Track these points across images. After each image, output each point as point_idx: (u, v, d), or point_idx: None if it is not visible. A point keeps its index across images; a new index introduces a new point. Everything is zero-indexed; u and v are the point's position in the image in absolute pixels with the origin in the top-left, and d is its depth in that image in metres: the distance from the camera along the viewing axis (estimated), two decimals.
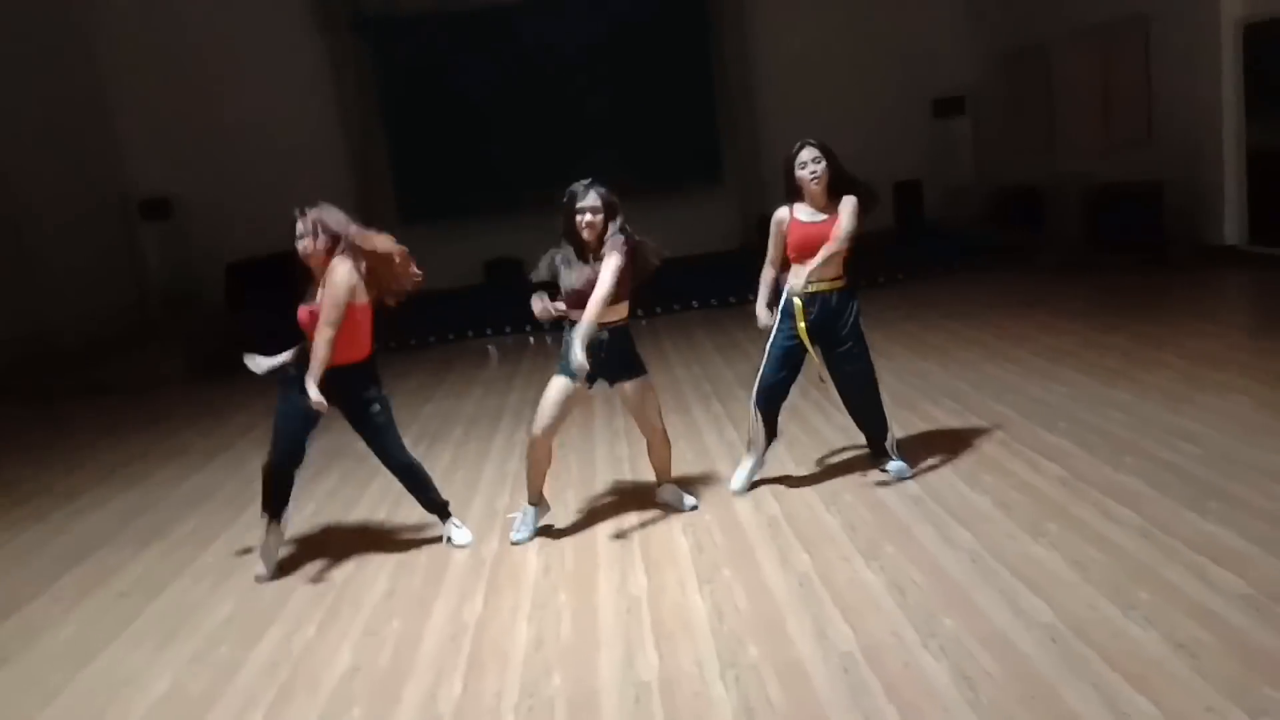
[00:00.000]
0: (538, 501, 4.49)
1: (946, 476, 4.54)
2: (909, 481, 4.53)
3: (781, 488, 4.70)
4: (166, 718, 3.28)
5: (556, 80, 13.70)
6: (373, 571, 4.28)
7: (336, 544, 4.66)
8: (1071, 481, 4.29)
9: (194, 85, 13.42)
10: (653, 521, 4.47)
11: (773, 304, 4.52)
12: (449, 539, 4.45)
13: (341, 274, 4.01)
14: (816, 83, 13.71)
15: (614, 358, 4.25)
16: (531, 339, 10.06)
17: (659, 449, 4.54)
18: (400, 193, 13.85)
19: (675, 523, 4.43)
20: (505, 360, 9.30)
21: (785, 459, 5.10)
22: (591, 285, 4.05)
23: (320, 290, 4.05)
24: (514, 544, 4.36)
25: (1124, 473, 4.31)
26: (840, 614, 3.40)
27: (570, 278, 4.18)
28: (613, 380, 4.32)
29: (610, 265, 4.05)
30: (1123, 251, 9.51)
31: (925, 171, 13.77)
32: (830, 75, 13.76)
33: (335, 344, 3.99)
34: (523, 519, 4.46)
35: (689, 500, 4.59)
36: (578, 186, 4.17)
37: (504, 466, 5.67)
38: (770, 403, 4.64)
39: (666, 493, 4.64)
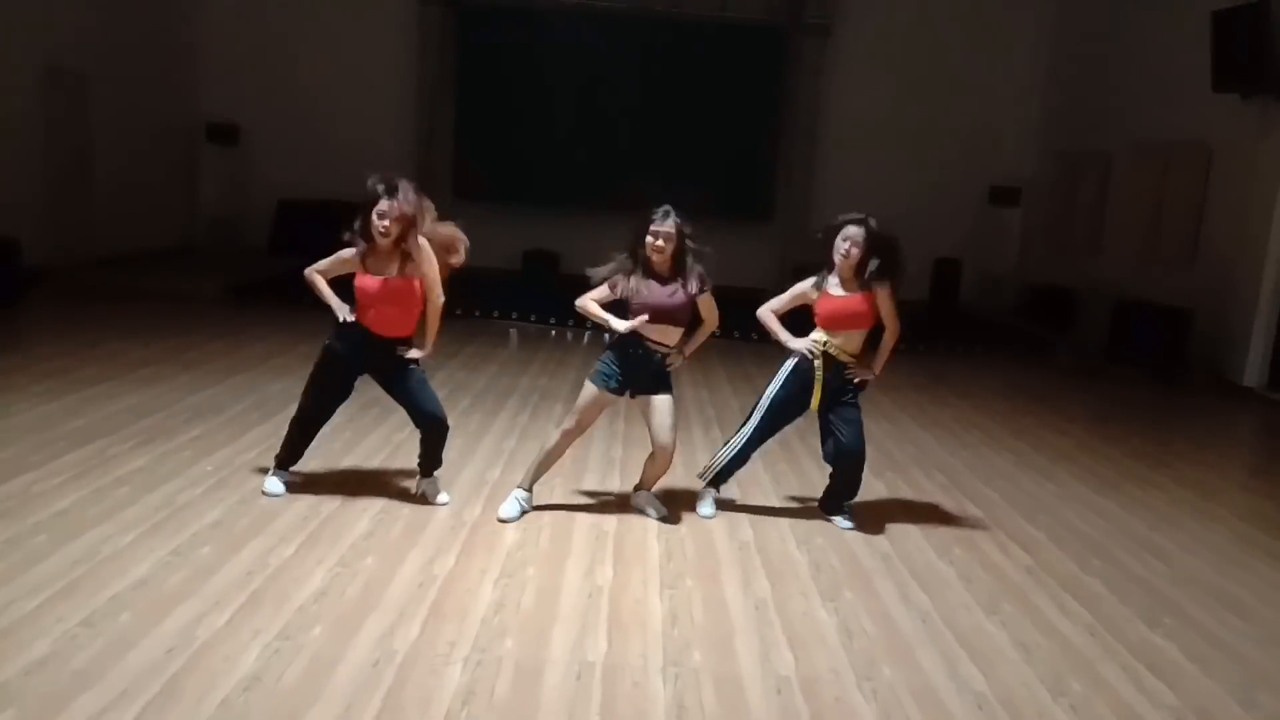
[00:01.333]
0: (529, 488, 4.67)
1: (919, 542, 4.67)
2: (880, 539, 4.66)
3: (759, 518, 4.84)
4: (139, 601, 3.45)
5: (629, 91, 13.98)
6: (358, 511, 4.45)
7: (330, 480, 4.83)
8: (1037, 571, 4.42)
9: (281, 22, 13.78)
10: (630, 524, 4.62)
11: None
12: (424, 493, 4.66)
13: (431, 255, 4.39)
14: (880, 146, 13.93)
15: (654, 374, 4.53)
16: (554, 331, 10.23)
17: (660, 462, 4.68)
18: (458, 168, 14.13)
19: (651, 529, 4.57)
20: (524, 346, 9.48)
21: (770, 491, 5.25)
22: (673, 306, 4.43)
23: (392, 265, 4.36)
24: (500, 520, 4.51)
25: (1089, 574, 4.43)
26: (787, 642, 3.54)
27: (649, 295, 4.41)
28: (649, 392, 4.55)
29: (711, 301, 4.49)
30: (1139, 367, 9.60)
31: (968, 254, 13.93)
32: (895, 141, 13.98)
33: (400, 319, 4.41)
34: (518, 500, 4.61)
35: (661, 509, 4.74)
36: (658, 211, 4.42)
37: (502, 443, 5.85)
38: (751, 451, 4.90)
39: (642, 498, 4.81)
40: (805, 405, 4.71)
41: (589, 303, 4.50)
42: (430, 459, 4.67)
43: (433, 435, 4.61)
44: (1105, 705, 3.25)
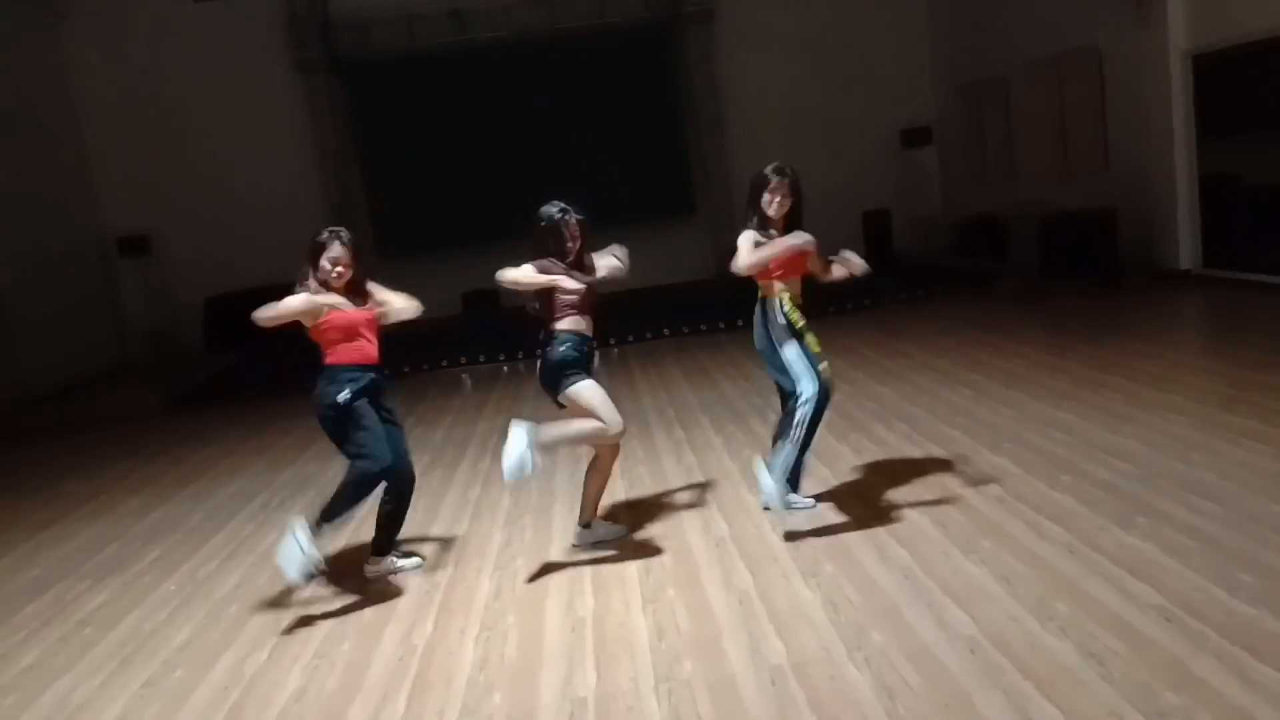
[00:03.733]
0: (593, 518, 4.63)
1: (891, 497, 4.66)
2: (853, 502, 4.65)
3: (732, 510, 4.81)
4: None
5: (529, 117, 13.94)
6: (326, 597, 4.36)
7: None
8: (1008, 500, 4.43)
9: (171, 124, 13.63)
10: (603, 548, 4.57)
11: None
12: (389, 569, 4.51)
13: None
14: (786, 115, 13.99)
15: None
16: (505, 368, 10.17)
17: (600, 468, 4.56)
18: (377, 227, 14.02)
19: (626, 547, 4.52)
20: (478, 388, 9.40)
21: (738, 480, 5.22)
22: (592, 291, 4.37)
23: (367, 299, 4.47)
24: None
25: (1059, 490, 4.45)
26: (775, 630, 3.51)
27: (577, 282, 4.29)
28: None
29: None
30: (1078, 278, 9.71)
31: (894, 202, 14.03)
32: (800, 108, 14.05)
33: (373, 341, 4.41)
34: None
35: (617, 530, 4.65)
36: (554, 209, 4.37)
37: (466, 494, 5.78)
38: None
39: (596, 532, 4.61)
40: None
41: (522, 272, 4.26)
42: (390, 523, 4.50)
43: (407, 490, 4.50)
44: (1093, 620, 3.25)
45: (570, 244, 4.35)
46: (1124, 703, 2.78)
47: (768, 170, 4.47)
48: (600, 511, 4.72)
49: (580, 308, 4.34)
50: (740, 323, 10.78)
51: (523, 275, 4.25)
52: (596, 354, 4.43)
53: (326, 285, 4.31)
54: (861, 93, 14.09)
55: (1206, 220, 9.25)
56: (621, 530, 4.68)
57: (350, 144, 14.13)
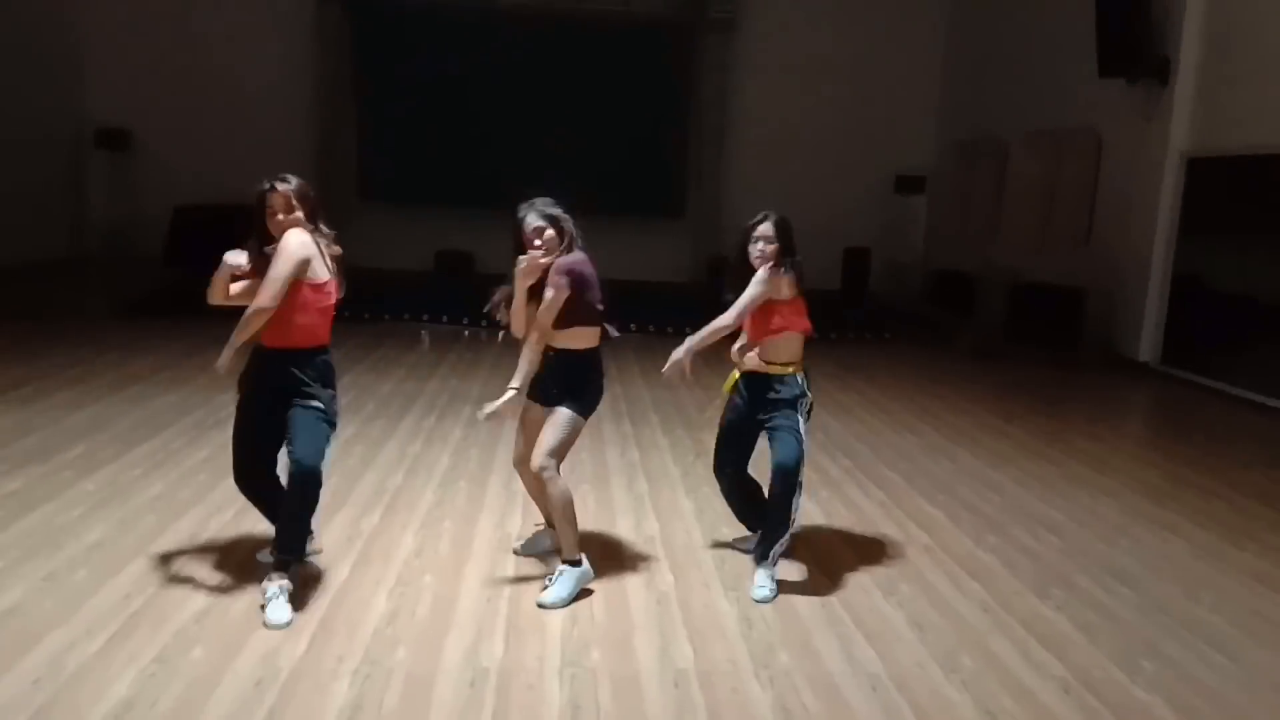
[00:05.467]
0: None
1: (822, 528, 4.71)
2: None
3: (666, 511, 4.83)
4: (6, 629, 3.28)
5: (534, 90, 13.87)
6: (250, 524, 4.29)
7: (222, 496, 4.66)
8: (934, 550, 4.49)
9: (172, 23, 13.35)
10: (535, 525, 4.55)
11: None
12: (263, 596, 3.48)
13: (293, 244, 3.51)
14: (787, 139, 14.10)
15: (557, 381, 3.91)
16: (466, 332, 10.10)
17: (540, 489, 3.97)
18: (362, 170, 13.87)
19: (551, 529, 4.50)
20: (436, 348, 9.33)
21: (677, 484, 5.24)
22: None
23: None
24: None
25: (983, 549, 4.53)
26: (687, 635, 3.53)
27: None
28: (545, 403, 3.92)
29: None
30: (1037, 348, 9.89)
31: (876, 242, 14.17)
32: (802, 134, 14.16)
33: (281, 322, 3.55)
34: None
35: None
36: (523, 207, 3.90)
37: (405, 449, 5.73)
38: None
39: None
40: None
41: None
42: (285, 529, 3.64)
43: (294, 487, 3.56)
44: (995, 679, 3.31)
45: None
46: None
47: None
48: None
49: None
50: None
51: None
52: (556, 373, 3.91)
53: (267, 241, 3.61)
54: (865, 130, 14.22)
55: (1172, 317, 9.45)
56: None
57: (350, 82, 13.95)
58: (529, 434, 3.97)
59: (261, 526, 4.02)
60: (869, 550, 4.46)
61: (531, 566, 4.08)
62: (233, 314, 3.67)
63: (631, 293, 13.33)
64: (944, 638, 3.60)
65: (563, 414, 3.82)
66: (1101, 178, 10.43)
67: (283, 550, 3.62)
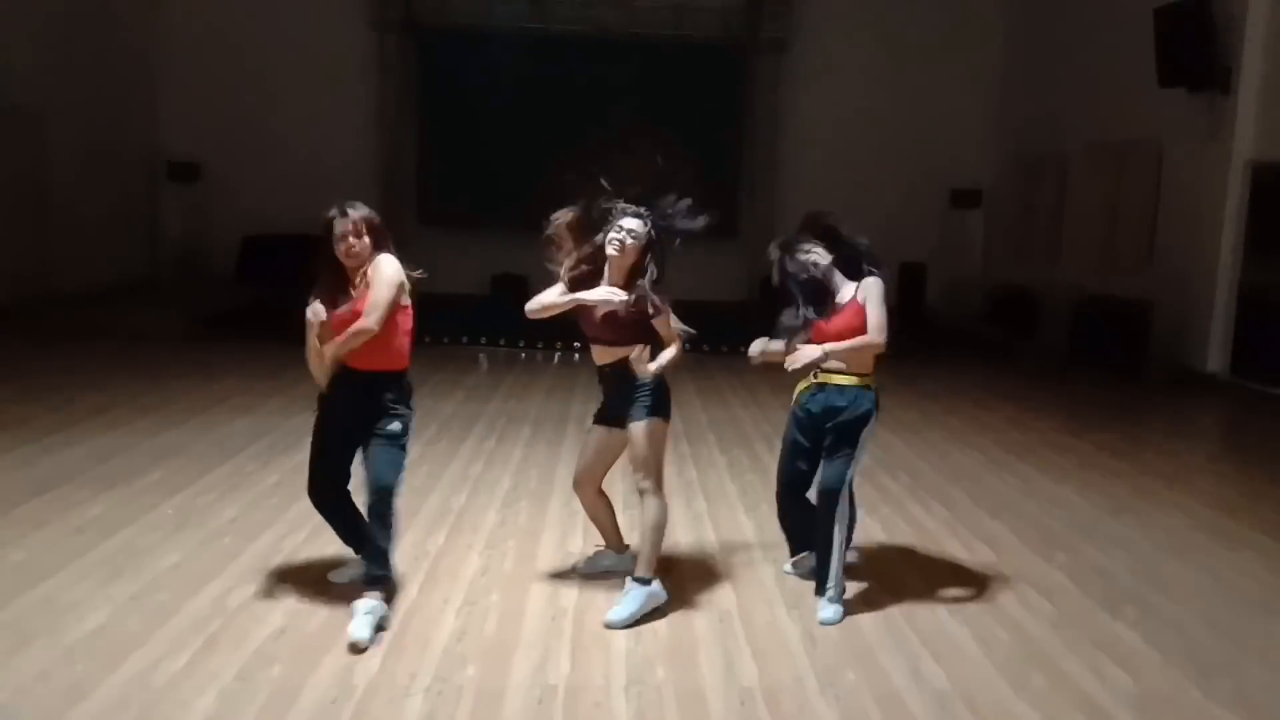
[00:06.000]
0: (621, 549, 4.20)
1: (885, 546, 4.69)
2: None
3: (727, 529, 4.84)
4: (95, 649, 3.41)
5: (590, 113, 14.01)
6: (320, 545, 4.40)
7: (296, 518, 4.79)
8: (999, 568, 4.44)
9: (240, 58, 13.80)
10: (593, 544, 4.60)
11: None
12: (353, 613, 3.56)
13: (390, 269, 3.66)
14: (841, 156, 14.05)
15: (625, 397, 3.88)
16: (523, 354, 10.23)
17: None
18: (422, 194, 14.14)
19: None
20: (494, 370, 9.47)
21: (735, 502, 5.25)
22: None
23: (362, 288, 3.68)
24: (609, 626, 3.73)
25: (1053, 566, 4.47)
26: (751, 653, 3.54)
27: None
28: (624, 423, 3.89)
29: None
30: (1103, 365, 9.70)
31: (933, 258, 14.04)
32: (855, 150, 14.10)
33: (375, 346, 3.65)
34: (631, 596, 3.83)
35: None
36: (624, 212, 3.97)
37: (468, 469, 5.82)
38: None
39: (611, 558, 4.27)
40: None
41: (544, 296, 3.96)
42: (372, 552, 3.72)
43: (375, 510, 3.69)
44: (1067, 697, 3.27)
45: (558, 250, 3.96)
46: None
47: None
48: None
49: (590, 334, 3.93)
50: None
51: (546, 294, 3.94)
52: (614, 391, 3.92)
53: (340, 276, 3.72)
54: (919, 145, 14.11)
55: (1240, 328, 9.23)
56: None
57: (411, 109, 14.27)
58: (591, 457, 4.03)
59: (334, 547, 4.13)
60: (933, 568, 4.42)
61: (594, 585, 4.12)
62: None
63: (686, 314, 13.38)
64: (1013, 655, 3.56)
65: (641, 426, 3.81)
66: (1164, 190, 10.23)
67: (368, 570, 3.70)
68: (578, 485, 4.14)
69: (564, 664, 3.42)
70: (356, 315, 3.63)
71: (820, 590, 3.90)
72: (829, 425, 3.92)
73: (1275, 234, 8.90)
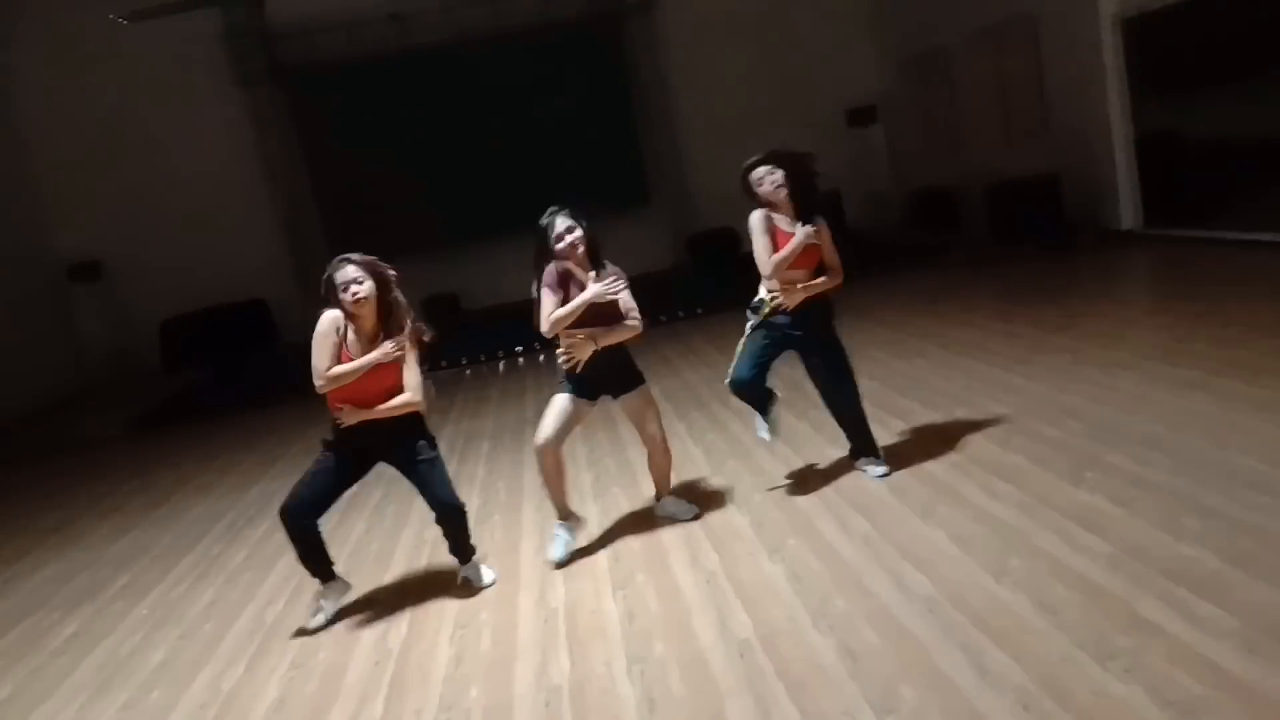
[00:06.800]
0: (566, 517, 4.46)
1: (849, 471, 4.76)
2: (815, 477, 4.75)
3: (698, 493, 4.89)
4: None
5: (478, 118, 13.92)
6: (299, 611, 4.38)
7: (272, 589, 4.76)
8: (963, 464, 4.54)
9: (117, 147, 13.48)
10: (574, 540, 4.62)
11: None
12: (467, 580, 4.24)
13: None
14: (732, 101, 14.08)
15: (617, 372, 4.38)
16: (468, 372, 10.18)
17: (659, 460, 4.55)
18: (330, 238, 13.92)
19: (594, 540, 4.57)
20: (442, 393, 9.40)
21: (702, 464, 5.30)
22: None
23: (380, 339, 3.99)
24: (554, 564, 4.30)
25: (1011, 451, 4.58)
26: (741, 605, 3.60)
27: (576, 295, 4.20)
28: (620, 391, 4.41)
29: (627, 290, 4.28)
30: (1026, 242, 9.90)
31: (845, 180, 14.15)
32: (745, 93, 14.14)
33: (389, 387, 3.99)
34: (558, 538, 4.39)
35: (690, 509, 4.58)
36: (545, 218, 4.23)
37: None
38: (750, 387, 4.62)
39: (667, 505, 4.64)
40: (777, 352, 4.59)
41: (557, 311, 4.16)
42: (455, 545, 4.26)
43: (452, 520, 4.20)
44: (1046, 572, 3.36)
45: (573, 255, 4.20)
46: (1076, 648, 2.89)
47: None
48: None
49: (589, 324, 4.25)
50: (699, 310, 10.91)
51: (555, 317, 4.16)
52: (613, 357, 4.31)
53: (352, 317, 3.98)
54: (806, 75, 14.19)
55: (1146, 180, 9.45)
56: (694, 510, 4.57)
57: (299, 155, 14.04)
58: (567, 424, 4.33)
59: (310, 606, 4.10)
60: (898, 479, 4.51)
61: (579, 579, 4.15)
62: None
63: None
64: (988, 546, 3.65)
65: (646, 391, 4.48)
66: (1044, 60, 10.42)
67: (465, 555, 4.28)
68: (550, 447, 4.30)
69: (564, 662, 3.45)
70: (387, 375, 3.99)
71: (872, 452, 4.66)
72: (807, 333, 4.54)
73: (1157, 83, 9.11)
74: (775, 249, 4.41)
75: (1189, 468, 4.00)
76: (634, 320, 4.34)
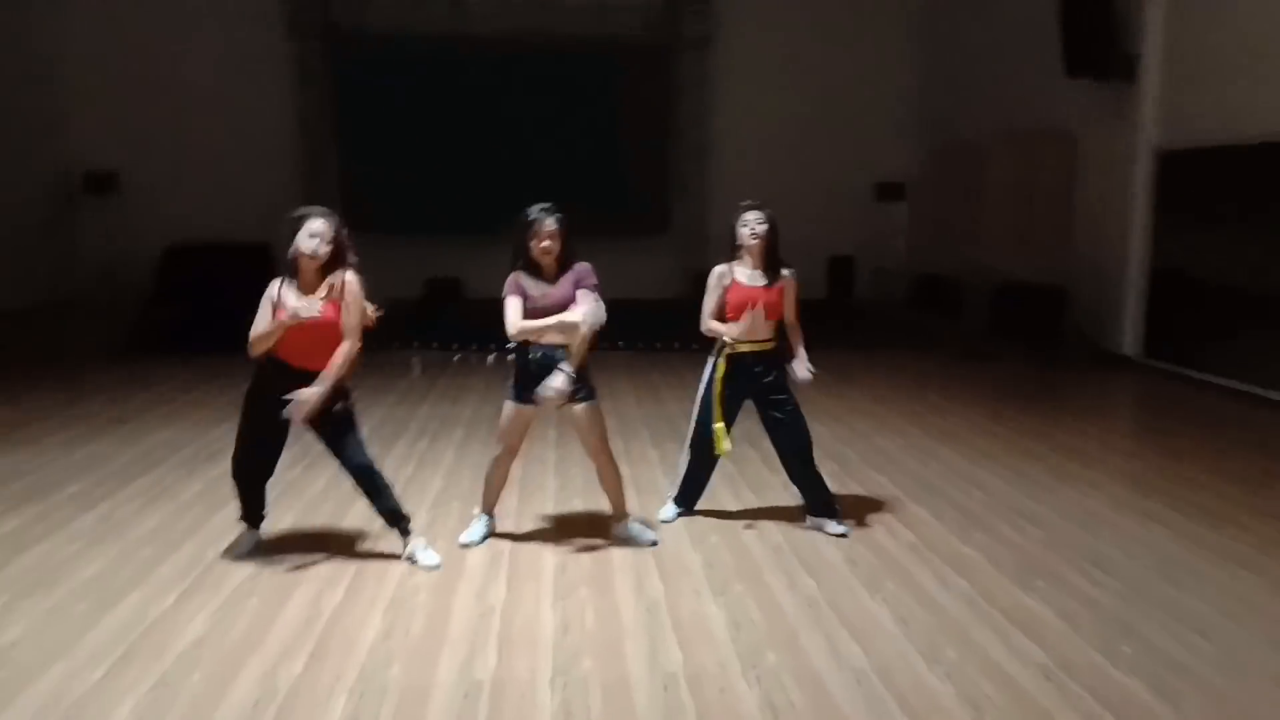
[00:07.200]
0: (490, 512, 4.68)
1: (809, 533, 4.77)
2: (772, 530, 4.77)
3: (657, 522, 4.90)
4: (11, 661, 3.35)
5: (513, 115, 14.01)
6: (245, 556, 4.36)
7: (220, 527, 4.74)
8: (920, 548, 4.57)
9: (155, 69, 13.51)
10: (527, 542, 4.63)
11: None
12: (411, 558, 4.27)
13: (359, 291, 4.12)
14: (769, 151, 14.22)
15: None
16: (456, 357, 10.18)
17: (604, 477, 4.60)
18: (347, 201, 13.94)
19: (547, 546, 4.57)
20: (426, 374, 9.41)
21: (666, 496, 5.31)
22: (562, 307, 4.28)
23: (313, 296, 4.04)
24: (462, 546, 4.50)
25: (969, 546, 4.61)
26: (676, 641, 3.60)
27: (539, 299, 4.30)
28: (568, 401, 4.40)
29: (595, 295, 4.32)
30: (1021, 347, 9.99)
31: (860, 250, 14.30)
32: (783, 145, 14.29)
33: (316, 348, 4.03)
34: (475, 526, 4.63)
35: (650, 535, 4.63)
36: (536, 210, 4.30)
37: (398, 472, 5.78)
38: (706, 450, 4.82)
39: (630, 528, 4.64)
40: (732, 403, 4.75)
41: (525, 323, 4.29)
42: (385, 511, 4.32)
43: (367, 484, 4.28)
44: (978, 668, 3.39)
45: (540, 243, 4.27)
46: None
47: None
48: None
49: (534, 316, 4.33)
50: (695, 346, 10.94)
51: (521, 326, 4.29)
52: (556, 361, 4.33)
53: (295, 272, 4.08)
54: (844, 140, 14.36)
55: (1153, 310, 9.57)
56: (651, 535, 4.63)
57: (331, 115, 14.09)
58: (522, 431, 4.52)
59: (265, 546, 4.09)
60: (855, 550, 4.53)
61: (522, 580, 4.15)
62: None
63: (620, 310, 13.45)
64: (928, 631, 3.68)
65: (596, 405, 4.53)
66: (1077, 176, 10.57)
67: (398, 522, 4.34)
68: (506, 457, 4.56)
69: (490, 659, 3.45)
70: (324, 324, 4.02)
71: (833, 513, 4.76)
72: (760, 385, 4.68)
73: (1182, 220, 9.24)
74: (726, 304, 4.65)
75: (1137, 597, 4.03)
76: (577, 318, 4.27)
